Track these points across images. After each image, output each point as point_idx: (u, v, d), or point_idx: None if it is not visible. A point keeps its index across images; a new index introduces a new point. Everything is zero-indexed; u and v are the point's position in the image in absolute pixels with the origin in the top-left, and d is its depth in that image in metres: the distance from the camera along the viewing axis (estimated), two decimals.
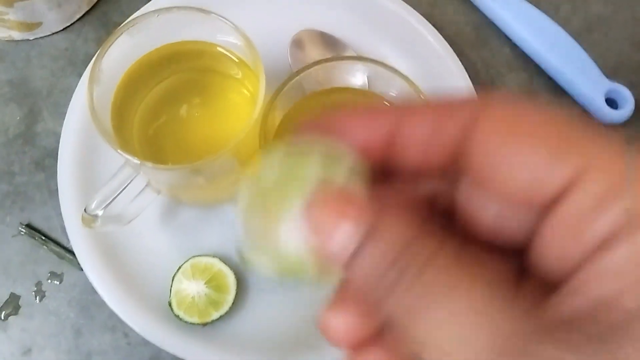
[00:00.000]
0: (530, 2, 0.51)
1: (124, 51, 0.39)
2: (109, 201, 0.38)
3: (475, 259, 0.16)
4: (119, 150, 0.36)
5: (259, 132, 0.37)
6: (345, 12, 0.50)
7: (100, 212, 0.39)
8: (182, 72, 0.43)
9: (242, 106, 0.43)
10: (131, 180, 0.39)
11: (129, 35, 0.39)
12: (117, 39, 0.38)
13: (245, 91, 0.43)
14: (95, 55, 0.38)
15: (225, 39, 0.40)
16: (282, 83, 0.37)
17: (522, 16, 0.51)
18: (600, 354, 0.14)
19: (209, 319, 0.43)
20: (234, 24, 0.38)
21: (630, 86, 0.49)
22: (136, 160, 0.36)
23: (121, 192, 0.39)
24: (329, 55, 0.48)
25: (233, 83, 0.43)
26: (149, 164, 0.36)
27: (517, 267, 0.17)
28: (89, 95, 0.37)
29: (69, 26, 0.52)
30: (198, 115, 0.42)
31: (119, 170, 0.39)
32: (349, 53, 0.48)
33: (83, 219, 0.39)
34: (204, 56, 0.43)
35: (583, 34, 0.51)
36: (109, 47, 0.38)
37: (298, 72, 0.37)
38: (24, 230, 0.47)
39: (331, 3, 0.50)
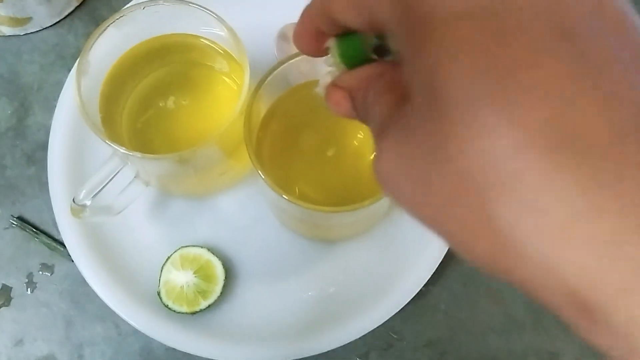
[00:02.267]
0: None
1: (111, 44, 0.40)
2: (96, 191, 0.39)
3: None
4: (106, 141, 0.37)
5: (243, 123, 0.37)
6: None
7: (88, 202, 0.39)
8: (170, 65, 0.44)
9: (229, 98, 0.43)
10: (119, 170, 0.39)
11: (116, 28, 0.39)
12: (104, 31, 0.39)
13: (231, 83, 0.44)
14: (83, 47, 0.38)
15: (211, 31, 0.41)
16: (265, 74, 0.38)
17: None
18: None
19: (197, 308, 0.44)
20: (219, 17, 0.39)
21: None
22: (123, 150, 0.36)
23: (109, 182, 0.39)
24: None
25: (220, 75, 0.44)
26: (136, 154, 0.37)
27: None
28: (77, 87, 0.37)
29: (59, 21, 0.52)
30: (185, 107, 0.43)
31: (106, 161, 0.40)
32: None
33: (72, 209, 0.40)
34: (191, 49, 0.43)
35: None
36: (96, 39, 0.38)
37: (281, 63, 0.38)
38: (15, 223, 0.48)
39: None
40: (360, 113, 0.22)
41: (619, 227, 0.13)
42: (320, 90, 0.24)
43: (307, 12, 0.22)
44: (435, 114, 0.15)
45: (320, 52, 0.23)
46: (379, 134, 0.18)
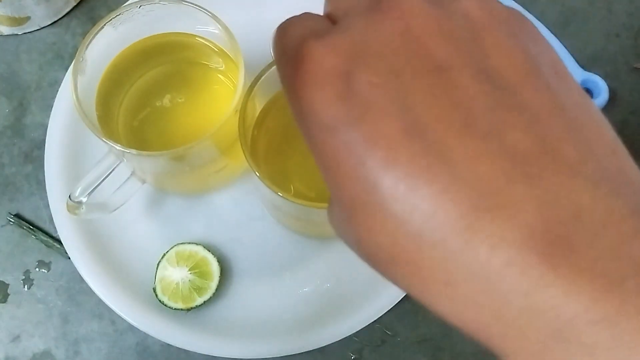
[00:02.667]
0: None
1: (108, 42, 0.40)
2: (92, 188, 0.39)
3: None
4: (102, 138, 0.37)
5: (238, 120, 0.38)
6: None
7: (84, 199, 0.40)
8: (166, 64, 0.44)
9: (225, 96, 0.44)
10: (115, 168, 0.40)
11: (112, 27, 0.40)
12: (100, 30, 0.39)
13: (227, 81, 0.44)
14: (79, 46, 0.39)
15: (207, 30, 0.41)
16: (260, 72, 0.38)
17: None
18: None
19: (192, 305, 0.44)
20: (214, 15, 0.39)
21: (605, 76, 0.50)
22: (119, 147, 0.37)
23: (105, 179, 0.40)
24: None
25: (215, 73, 0.44)
26: (132, 151, 0.37)
27: None
28: (73, 85, 0.38)
29: (56, 21, 0.53)
30: (181, 105, 0.44)
31: (102, 158, 0.40)
32: None
33: (68, 206, 0.40)
34: (186, 47, 0.44)
35: (559, 26, 0.53)
36: (93, 38, 0.39)
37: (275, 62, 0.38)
38: (12, 220, 0.48)
39: None
40: None
41: (472, 286, 0.16)
42: None
43: None
44: (339, 211, 0.19)
45: None
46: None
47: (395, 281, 0.18)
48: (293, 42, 0.20)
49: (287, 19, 0.21)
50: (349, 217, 0.18)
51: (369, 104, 0.17)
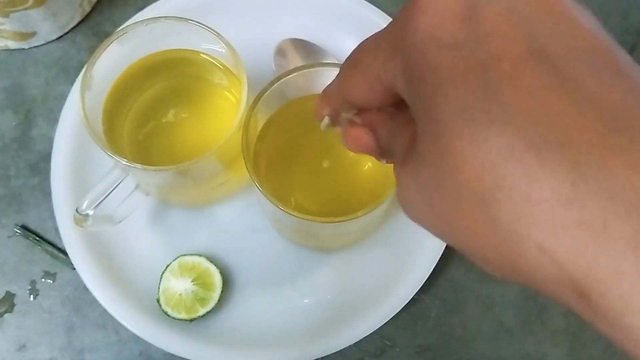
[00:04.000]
0: None
1: (114, 59, 0.41)
2: (99, 201, 0.40)
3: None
4: (108, 153, 0.38)
5: (241, 135, 0.39)
6: (326, 21, 0.52)
7: (91, 212, 0.41)
8: (170, 79, 0.45)
9: (228, 111, 0.45)
10: (120, 182, 0.41)
11: (118, 44, 0.41)
12: (107, 47, 0.40)
13: (231, 97, 0.45)
14: (87, 63, 0.40)
15: (211, 47, 0.42)
16: (263, 89, 0.39)
17: None
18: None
19: (195, 315, 0.45)
20: (218, 33, 0.40)
21: None
22: (125, 162, 0.38)
23: (111, 192, 0.41)
24: (311, 63, 0.50)
25: (219, 89, 0.45)
26: (138, 166, 0.38)
27: None
28: (81, 101, 0.39)
29: (62, 36, 0.54)
30: (185, 119, 0.44)
31: (108, 172, 0.41)
32: (330, 60, 0.50)
33: (75, 218, 0.41)
34: (190, 63, 0.45)
35: None
36: (100, 55, 0.40)
37: (279, 78, 0.39)
38: (19, 231, 0.49)
39: (314, 13, 0.52)
40: (384, 147, 0.24)
41: (605, 211, 0.14)
42: (323, 127, 0.27)
43: (325, 97, 0.25)
44: (436, 140, 0.17)
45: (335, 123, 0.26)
46: (400, 165, 0.21)
47: (491, 219, 0.16)
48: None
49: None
50: (449, 134, 0.17)
51: (493, 28, 0.17)
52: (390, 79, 0.20)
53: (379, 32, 0.21)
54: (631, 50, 0.54)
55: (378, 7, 0.52)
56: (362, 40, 0.22)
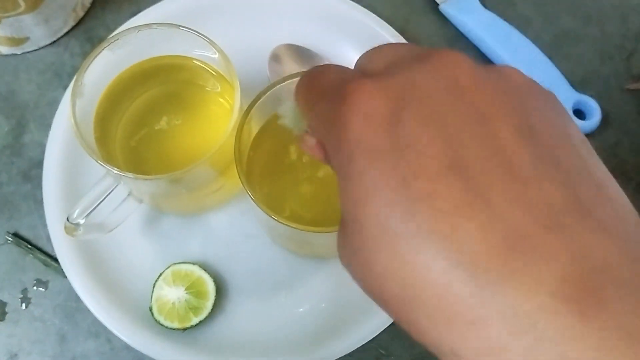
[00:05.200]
0: (503, 18, 0.53)
1: (106, 66, 0.41)
2: (90, 210, 0.40)
3: None
4: (99, 161, 0.37)
5: (234, 143, 0.38)
6: (321, 27, 0.52)
7: (82, 221, 0.40)
8: (163, 86, 0.45)
9: (222, 118, 0.44)
10: (112, 190, 0.40)
11: (110, 51, 0.40)
12: (99, 54, 0.40)
13: (224, 103, 0.45)
14: (78, 70, 0.39)
15: (203, 53, 0.42)
16: (257, 95, 0.39)
17: (494, 31, 0.53)
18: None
19: (188, 324, 0.44)
20: (210, 40, 0.40)
21: (598, 97, 0.50)
22: (116, 170, 0.37)
23: (102, 201, 0.40)
24: (306, 69, 0.49)
25: (212, 96, 0.45)
26: (129, 174, 0.38)
27: None
28: (72, 109, 0.38)
29: (55, 41, 0.54)
30: (178, 127, 0.44)
31: (100, 180, 0.40)
32: None
33: (66, 227, 0.41)
34: (183, 70, 0.44)
35: (553, 48, 0.53)
36: (91, 61, 0.39)
37: (272, 85, 0.39)
38: (10, 239, 0.49)
39: (309, 19, 0.52)
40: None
41: (501, 330, 0.16)
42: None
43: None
44: (361, 242, 0.19)
45: None
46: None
47: (412, 321, 0.18)
48: (336, 81, 0.21)
49: (316, 67, 0.23)
50: (375, 249, 0.18)
51: (415, 137, 0.18)
52: (324, 141, 0.21)
53: (325, 79, 0.22)
54: (630, 56, 0.54)
55: (374, 12, 0.52)
56: (320, 66, 0.24)
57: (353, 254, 0.20)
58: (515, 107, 0.19)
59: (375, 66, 0.21)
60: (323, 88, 0.22)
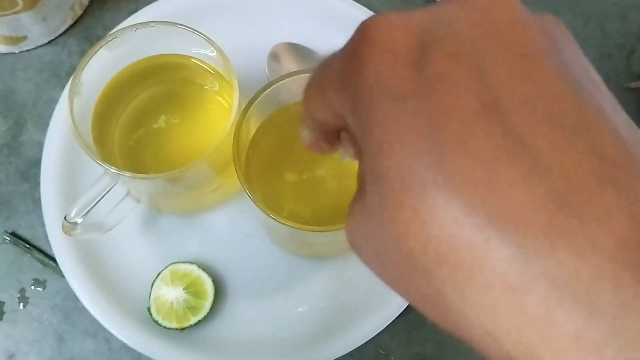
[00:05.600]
0: None
1: (103, 64, 0.41)
2: (87, 209, 0.40)
3: None
4: (97, 160, 0.37)
5: (232, 142, 0.38)
6: (320, 25, 0.51)
7: (79, 220, 0.40)
8: (161, 84, 0.44)
9: (220, 116, 0.44)
10: (110, 189, 0.40)
11: (108, 49, 0.40)
12: (96, 52, 0.39)
13: (223, 102, 0.44)
14: (75, 68, 0.39)
15: (201, 52, 0.42)
16: (255, 94, 0.39)
17: None
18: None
19: (187, 324, 0.44)
20: (208, 38, 0.39)
21: None
22: (114, 170, 0.37)
23: (100, 200, 0.40)
24: (305, 67, 0.49)
25: (210, 94, 0.45)
26: (127, 173, 0.37)
27: None
28: (69, 108, 0.38)
29: (53, 39, 0.53)
30: (177, 125, 0.44)
31: (98, 180, 0.40)
32: None
33: (63, 227, 0.41)
34: (181, 68, 0.44)
35: None
36: (89, 60, 0.39)
37: (271, 84, 0.39)
38: (8, 239, 0.48)
39: (308, 17, 0.52)
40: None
41: (549, 301, 0.14)
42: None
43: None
44: (380, 199, 0.16)
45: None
46: (351, 202, 0.20)
47: (431, 291, 0.16)
48: (342, 50, 0.18)
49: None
50: (395, 206, 0.16)
51: (444, 75, 0.15)
52: (341, 110, 0.19)
53: (336, 52, 0.19)
54: (630, 54, 0.54)
55: (373, 11, 0.52)
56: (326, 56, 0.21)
57: (367, 223, 0.18)
58: (552, 44, 0.17)
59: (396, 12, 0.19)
60: (331, 58, 0.19)
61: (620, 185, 0.14)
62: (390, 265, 0.17)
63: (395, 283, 0.18)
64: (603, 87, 0.17)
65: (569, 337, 0.13)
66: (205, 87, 0.45)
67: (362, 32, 0.17)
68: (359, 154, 0.19)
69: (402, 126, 0.16)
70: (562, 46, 0.17)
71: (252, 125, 0.41)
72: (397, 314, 0.45)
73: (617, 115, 0.16)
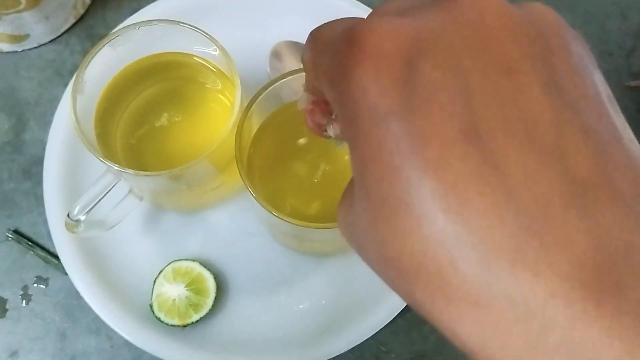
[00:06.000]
0: None
1: (106, 62, 0.41)
2: (90, 207, 0.40)
3: None
4: (100, 158, 0.37)
5: (234, 140, 0.38)
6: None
7: (82, 218, 0.40)
8: (163, 82, 0.45)
9: (222, 114, 0.44)
10: (112, 187, 0.40)
11: (111, 48, 0.40)
12: (99, 50, 0.40)
13: (225, 100, 0.45)
14: (78, 67, 0.39)
15: (204, 50, 0.42)
16: (257, 92, 0.39)
17: None
18: None
19: (188, 321, 0.45)
20: (211, 36, 0.40)
21: None
22: (117, 167, 0.37)
23: (102, 198, 0.40)
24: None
25: (213, 93, 0.45)
26: (129, 171, 0.38)
27: None
28: (72, 105, 0.38)
29: (56, 38, 0.54)
30: (179, 124, 0.44)
31: (100, 177, 0.40)
32: None
33: (66, 224, 0.41)
34: (183, 67, 0.44)
35: None
36: (92, 58, 0.39)
37: (272, 82, 0.39)
38: (11, 236, 0.49)
39: (309, 15, 0.52)
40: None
41: (506, 315, 0.15)
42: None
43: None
44: (364, 205, 0.17)
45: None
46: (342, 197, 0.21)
47: (408, 293, 0.17)
48: (344, 27, 0.18)
49: (325, 22, 0.21)
50: (375, 216, 0.17)
51: (429, 97, 0.16)
52: (330, 102, 0.19)
53: (336, 29, 0.19)
54: (630, 53, 0.54)
55: (373, 9, 0.52)
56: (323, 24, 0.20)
57: (354, 219, 0.18)
58: (544, 57, 0.17)
59: (390, 9, 0.19)
60: (329, 38, 0.19)
61: (586, 208, 0.15)
62: (373, 261, 0.18)
63: (379, 273, 0.19)
64: (601, 87, 0.18)
65: (524, 347, 0.15)
66: (208, 85, 0.45)
67: (353, 36, 0.17)
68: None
69: (384, 148, 0.16)
70: (553, 48, 0.17)
71: (254, 123, 0.41)
72: (398, 312, 0.45)
73: (608, 127, 0.17)
